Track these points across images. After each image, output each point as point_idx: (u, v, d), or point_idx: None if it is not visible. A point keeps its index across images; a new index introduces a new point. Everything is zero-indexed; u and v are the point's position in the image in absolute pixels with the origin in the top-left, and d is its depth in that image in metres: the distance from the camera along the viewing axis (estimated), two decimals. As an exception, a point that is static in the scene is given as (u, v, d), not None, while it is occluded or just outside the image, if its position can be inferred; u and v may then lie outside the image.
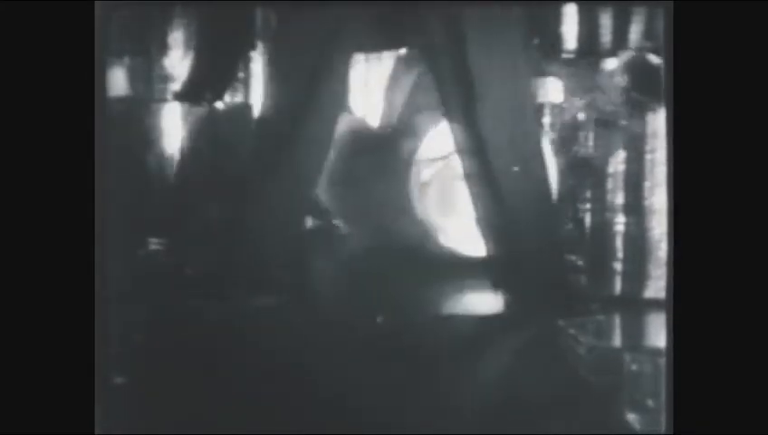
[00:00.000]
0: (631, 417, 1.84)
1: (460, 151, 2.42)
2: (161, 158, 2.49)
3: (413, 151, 2.53)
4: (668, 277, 1.70)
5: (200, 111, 2.51)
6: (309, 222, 2.52)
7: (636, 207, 2.40)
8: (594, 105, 2.44)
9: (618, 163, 2.41)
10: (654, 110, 2.35)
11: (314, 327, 2.12)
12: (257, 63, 2.57)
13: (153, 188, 2.41)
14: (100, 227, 1.69)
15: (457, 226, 2.49)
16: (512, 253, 2.33)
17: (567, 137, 2.47)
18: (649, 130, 2.37)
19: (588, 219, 2.45)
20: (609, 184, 2.42)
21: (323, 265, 2.50)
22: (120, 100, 2.47)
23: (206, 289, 2.23)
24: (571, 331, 2.14)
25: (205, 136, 2.50)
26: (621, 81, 2.43)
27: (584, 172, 2.45)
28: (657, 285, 2.33)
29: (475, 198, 2.42)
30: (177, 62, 2.53)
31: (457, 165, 2.48)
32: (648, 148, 2.37)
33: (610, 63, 2.45)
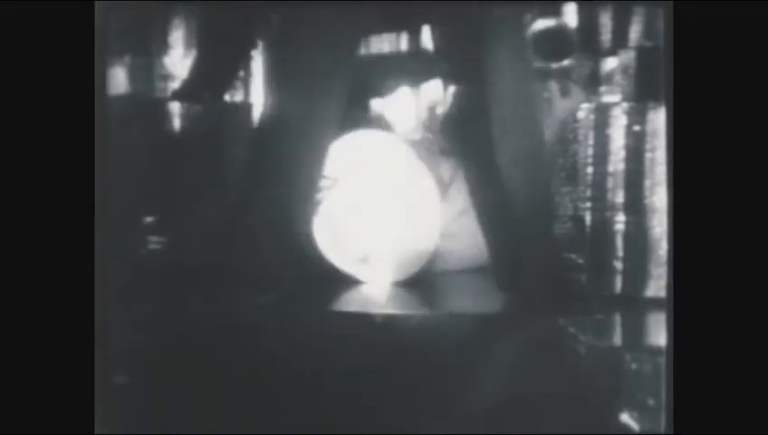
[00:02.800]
0: (631, 416, 1.84)
1: (456, 150, 2.42)
2: (161, 157, 2.48)
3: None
4: (669, 276, 1.70)
5: (200, 110, 2.51)
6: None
7: (636, 206, 2.40)
8: (593, 104, 2.44)
9: (618, 162, 2.41)
10: (654, 109, 2.35)
11: (314, 327, 2.12)
12: (259, 63, 2.57)
13: (153, 187, 2.41)
14: (100, 227, 1.69)
15: (456, 224, 2.49)
16: (511, 252, 2.33)
17: (566, 136, 2.47)
18: (649, 128, 2.37)
19: (588, 218, 2.45)
20: (609, 183, 2.42)
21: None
22: (121, 99, 2.46)
23: (206, 289, 2.23)
24: (571, 330, 2.14)
25: (205, 135, 2.49)
26: (621, 80, 2.44)
27: (583, 171, 2.45)
28: (657, 284, 2.33)
29: (475, 196, 2.42)
30: (178, 62, 2.53)
31: (454, 164, 2.48)
32: (647, 146, 2.37)
33: (610, 63, 2.46)
